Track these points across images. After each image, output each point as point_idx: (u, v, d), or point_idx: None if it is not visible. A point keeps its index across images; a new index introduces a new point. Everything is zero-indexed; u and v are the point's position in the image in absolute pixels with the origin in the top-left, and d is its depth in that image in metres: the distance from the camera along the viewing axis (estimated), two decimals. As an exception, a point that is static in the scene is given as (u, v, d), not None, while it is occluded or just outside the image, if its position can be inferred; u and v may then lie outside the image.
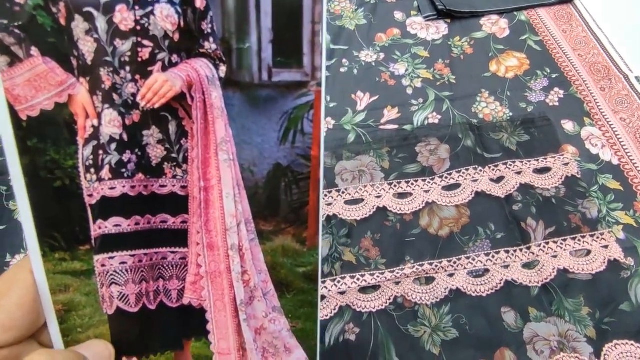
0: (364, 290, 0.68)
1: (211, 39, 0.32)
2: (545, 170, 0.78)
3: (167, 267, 0.36)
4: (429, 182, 0.78)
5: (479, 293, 0.67)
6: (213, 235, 0.35)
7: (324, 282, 0.69)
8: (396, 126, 0.86)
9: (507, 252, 0.70)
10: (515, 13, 1.01)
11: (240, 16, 0.31)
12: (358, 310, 0.66)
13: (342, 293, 0.68)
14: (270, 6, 0.31)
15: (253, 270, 0.35)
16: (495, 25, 1.00)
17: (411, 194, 0.77)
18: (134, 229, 0.34)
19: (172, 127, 0.33)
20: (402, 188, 0.78)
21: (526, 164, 0.79)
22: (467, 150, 0.81)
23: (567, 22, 0.98)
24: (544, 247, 0.70)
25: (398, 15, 1.04)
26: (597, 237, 0.70)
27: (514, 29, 0.99)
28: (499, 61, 0.94)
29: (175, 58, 0.32)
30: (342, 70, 0.95)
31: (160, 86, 0.32)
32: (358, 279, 0.69)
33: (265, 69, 0.32)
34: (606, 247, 0.69)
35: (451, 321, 0.65)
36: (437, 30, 1.00)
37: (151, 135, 0.33)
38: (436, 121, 0.86)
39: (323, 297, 0.68)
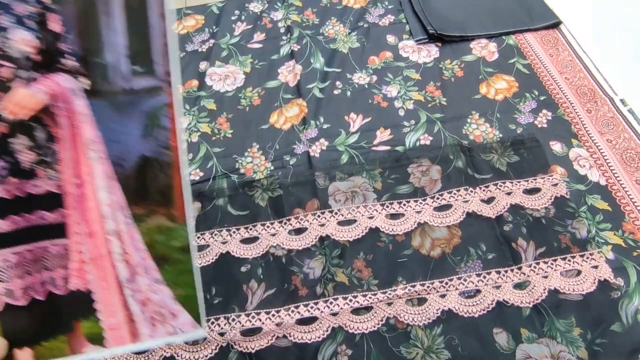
0: (356, 311, 0.68)
1: (70, 57, 0.38)
2: (534, 190, 0.79)
3: (50, 259, 0.40)
4: (420, 203, 0.79)
5: (470, 314, 0.68)
6: (91, 224, 0.39)
7: (316, 304, 0.69)
8: (388, 147, 0.87)
9: (498, 272, 0.71)
10: (504, 37, 1.05)
11: (96, 35, 0.37)
12: (351, 331, 0.66)
13: (335, 314, 0.68)
14: (123, 25, 0.37)
15: (132, 250, 0.40)
16: (484, 49, 1.03)
17: (403, 215, 0.78)
18: (13, 227, 0.38)
19: (40, 134, 0.38)
20: (394, 209, 0.79)
21: (516, 184, 0.80)
22: (458, 171, 0.83)
23: (554, 46, 1.02)
24: (535, 267, 0.71)
25: (390, 39, 1.07)
26: (587, 257, 0.71)
27: (503, 53, 1.02)
28: (488, 84, 0.96)
29: (36, 75, 0.37)
30: (335, 92, 0.97)
31: (21, 99, 0.37)
32: (350, 300, 0.69)
33: (124, 78, 0.39)
34: (596, 267, 0.70)
35: (443, 342, 0.66)
36: (429, 53, 1.03)
37: (20, 143, 0.38)
38: (428, 142, 0.88)
39: (315, 319, 0.68)
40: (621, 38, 1.01)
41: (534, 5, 1.09)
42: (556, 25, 1.05)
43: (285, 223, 0.78)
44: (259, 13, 1.16)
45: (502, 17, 1.07)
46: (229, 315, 0.69)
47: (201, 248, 0.76)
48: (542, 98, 0.93)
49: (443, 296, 0.69)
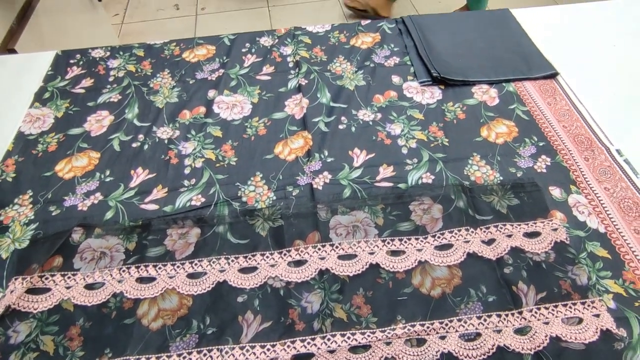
0: (354, 349, 0.66)
1: None
2: (535, 234, 0.80)
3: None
4: (422, 241, 0.79)
5: (470, 358, 0.66)
6: None
7: (313, 340, 0.67)
8: (391, 184, 0.88)
9: (499, 315, 0.70)
10: (504, 84, 1.09)
11: None
12: (347, 371, 0.64)
13: (332, 352, 0.66)
14: None
15: None
16: (485, 94, 1.06)
17: (404, 252, 0.78)
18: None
19: None
20: (395, 245, 0.79)
21: (516, 227, 0.81)
22: (459, 211, 0.83)
23: (551, 96, 1.05)
24: (536, 312, 0.70)
25: (395, 79, 1.10)
26: (588, 305, 0.70)
27: (503, 99, 1.05)
28: (489, 127, 0.99)
29: None
30: (340, 127, 0.99)
31: None
32: (348, 338, 0.67)
33: None
34: (598, 315, 0.69)
35: (443, 388, 0.63)
36: (432, 95, 1.06)
37: None
38: (429, 181, 0.89)
39: (311, 356, 0.65)
40: (615, 90, 1.05)
41: (532, 56, 1.14)
42: (553, 76, 1.10)
43: (285, 254, 0.77)
44: (269, 47, 1.20)
45: (502, 66, 1.12)
46: (223, 347, 0.66)
47: (198, 275, 0.75)
48: (541, 144, 0.95)
49: (443, 338, 0.68)
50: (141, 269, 0.75)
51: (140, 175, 0.90)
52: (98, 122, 1.01)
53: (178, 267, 0.76)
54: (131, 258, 0.77)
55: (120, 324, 0.69)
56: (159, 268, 0.75)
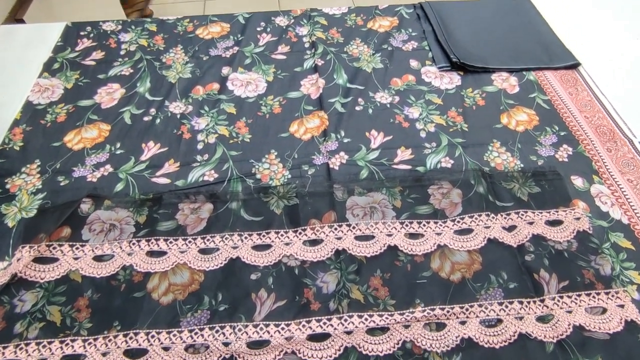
0: (371, 331, 0.64)
1: None
2: (557, 222, 0.77)
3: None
4: (441, 225, 0.77)
5: (491, 344, 0.64)
6: None
7: (329, 320, 0.65)
8: (409, 167, 0.86)
9: (521, 302, 0.68)
10: (524, 73, 1.06)
11: None
12: (364, 352, 0.62)
13: (349, 333, 0.64)
14: None
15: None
16: (505, 82, 1.04)
17: (423, 235, 0.76)
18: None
19: None
20: (413, 228, 0.76)
21: (538, 214, 0.78)
22: (479, 196, 0.81)
23: (573, 86, 1.03)
24: (559, 301, 0.68)
25: (413, 63, 1.08)
26: (612, 295, 0.68)
27: (524, 87, 1.03)
28: (509, 114, 0.96)
29: None
30: (357, 108, 0.97)
31: None
32: (366, 319, 0.65)
33: None
34: (622, 306, 0.67)
35: (462, 373, 0.61)
36: (451, 80, 1.04)
37: None
38: (449, 165, 0.86)
39: (327, 336, 0.63)
40: (637, 82, 1.03)
41: (553, 46, 1.12)
42: (575, 66, 1.07)
43: (300, 233, 0.75)
44: (284, 27, 1.17)
45: (522, 54, 1.10)
46: (235, 324, 0.64)
47: (210, 251, 0.72)
48: (562, 133, 0.93)
49: (463, 323, 0.66)
50: (152, 243, 0.73)
51: (151, 149, 0.88)
52: (109, 95, 0.98)
53: (190, 242, 0.73)
54: (141, 231, 0.75)
55: (130, 297, 0.67)
56: (170, 242, 0.73)
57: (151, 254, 0.72)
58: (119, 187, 0.81)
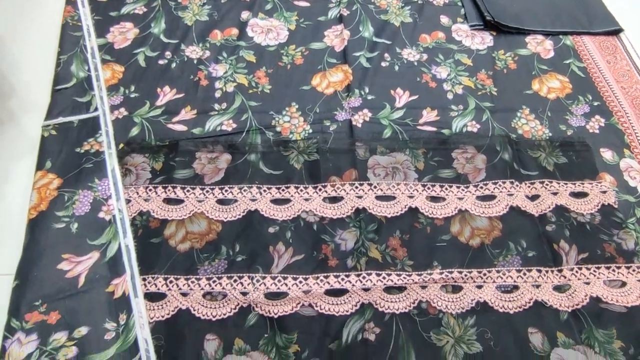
0: (388, 290, 0.64)
1: None
2: (581, 194, 0.76)
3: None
4: (463, 190, 0.75)
5: (506, 309, 0.64)
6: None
7: (347, 276, 0.65)
8: (434, 129, 0.83)
9: (539, 271, 0.67)
10: (561, 36, 1.00)
11: None
12: (380, 310, 0.62)
13: (366, 290, 0.64)
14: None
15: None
16: (540, 45, 0.98)
17: (444, 199, 0.74)
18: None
19: None
20: (435, 191, 0.75)
21: (563, 185, 0.76)
22: (504, 163, 0.79)
23: (612, 54, 0.98)
24: (577, 272, 0.67)
25: (444, 20, 1.02)
26: (633, 270, 0.67)
27: (559, 52, 0.97)
28: (541, 80, 0.92)
29: None
30: (383, 64, 0.92)
31: None
32: (384, 278, 0.65)
33: None
34: (641, 281, 0.67)
35: (476, 334, 0.62)
36: (482, 40, 0.98)
37: None
38: (475, 130, 0.83)
39: (345, 292, 0.63)
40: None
41: (594, 9, 1.05)
42: (616, 32, 1.01)
43: (320, 189, 0.73)
44: (308, -29, 1.09)
45: (560, 16, 1.03)
46: (254, 275, 0.64)
47: (228, 202, 0.71)
48: (595, 104, 0.89)
49: (479, 287, 0.66)
50: (168, 190, 0.72)
51: (167, 95, 0.84)
52: (122, 34, 0.94)
53: (207, 191, 0.72)
54: (158, 178, 0.73)
55: (147, 241, 0.67)
56: (187, 191, 0.72)
57: (168, 201, 0.71)
58: (134, 131, 0.79)
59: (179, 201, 0.71)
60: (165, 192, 0.71)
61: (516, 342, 0.62)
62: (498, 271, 0.67)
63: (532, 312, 0.64)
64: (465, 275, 0.66)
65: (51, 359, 0.54)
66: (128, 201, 0.70)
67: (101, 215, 0.67)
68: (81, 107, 0.81)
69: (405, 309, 0.63)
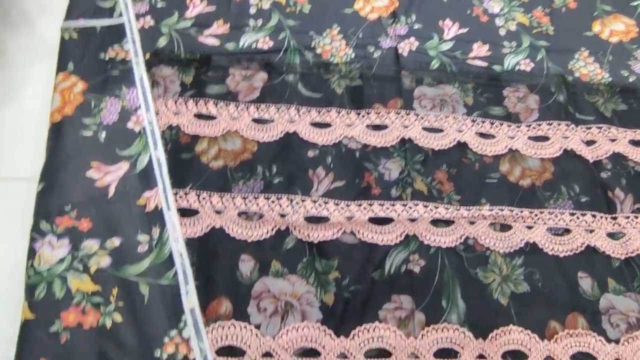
0: (435, 223, 0.60)
1: None
2: (640, 143, 0.71)
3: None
4: (514, 129, 0.70)
5: (556, 252, 0.61)
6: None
7: (393, 205, 0.60)
8: (485, 64, 0.76)
9: (594, 216, 0.63)
10: (627, -23, 0.92)
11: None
12: (426, 242, 0.59)
13: (412, 220, 0.60)
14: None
15: None
16: (603, -15, 0.90)
17: (494, 137, 0.69)
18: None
19: None
20: (485, 128, 0.69)
21: (622, 132, 0.71)
22: (558, 105, 0.73)
23: (679, 0, 0.89)
24: (632, 220, 0.64)
25: (500, -50, 0.92)
26: (692, 220, 0.64)
27: (624, -7, 0.89)
28: (603, 22, 0.84)
29: None
30: (432, -8, 0.84)
31: None
32: (432, 209, 0.61)
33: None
34: (700, 232, 0.63)
35: (523, 274, 0.59)
36: (540, -25, 0.90)
37: None
38: (528, 69, 0.77)
39: (389, 221, 0.59)
40: None
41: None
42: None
43: (363, 115, 0.68)
44: None
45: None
46: (293, 197, 0.60)
47: (264, 122, 0.66)
48: (661, 50, 0.82)
49: (530, 228, 0.62)
50: (200, 104, 0.66)
51: (197, 6, 0.77)
52: (147, -61, 0.84)
53: (242, 109, 0.66)
54: (188, 92, 0.67)
55: (177, 157, 0.62)
56: (221, 107, 0.66)
57: (199, 116, 0.65)
58: (162, 42, 0.72)
59: (211, 117, 0.65)
60: (197, 107, 0.66)
61: (565, 285, 0.59)
62: (550, 213, 0.63)
63: (582, 257, 0.61)
64: (516, 214, 0.62)
65: (83, 265, 0.51)
66: (156, 114, 0.65)
67: (130, 126, 0.61)
68: (104, 12, 0.73)
69: (452, 243, 0.59)
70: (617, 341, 0.56)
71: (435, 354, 0.52)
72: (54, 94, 0.62)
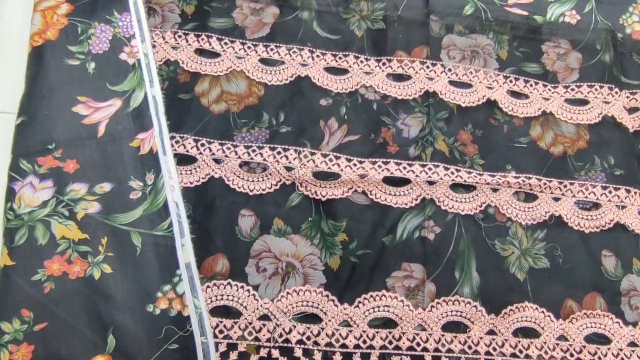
0: (454, 187, 0.55)
1: None
2: (688, 114, 0.64)
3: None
4: (550, 89, 0.63)
5: (582, 228, 0.56)
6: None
7: (411, 165, 0.55)
8: (525, 13, 0.67)
9: (628, 191, 0.58)
10: None
11: None
12: (443, 208, 0.54)
13: (431, 183, 0.55)
14: None
15: None
16: None
17: (527, 97, 0.62)
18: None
19: None
20: (518, 87, 0.62)
21: (670, 100, 0.64)
22: (602, 65, 0.65)
23: None
24: (669, 198, 0.58)
25: None
26: None
27: (689, -59, 0.78)
28: (664, -28, 0.74)
29: None
30: None
31: None
32: (452, 173, 0.55)
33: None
34: None
35: (544, 249, 0.55)
36: None
37: None
38: (573, 22, 0.68)
39: (406, 182, 0.54)
40: None
41: None
42: None
43: (384, 63, 0.60)
44: None
45: None
46: (301, 150, 0.54)
47: (273, 63, 0.59)
48: None
49: (557, 199, 0.57)
50: (202, 39, 0.58)
51: None
52: None
53: (249, 47, 0.59)
54: (189, 24, 0.59)
55: (174, 97, 0.55)
56: (225, 43, 0.59)
57: (201, 52, 0.58)
58: (161, -37, 0.63)
59: (214, 54, 0.58)
60: (198, 42, 0.58)
61: (587, 263, 0.55)
62: (581, 185, 0.58)
63: (609, 235, 0.56)
64: (544, 184, 0.56)
65: (69, 210, 0.46)
66: (152, 46, 0.57)
67: (123, 57, 0.54)
68: None
69: (471, 211, 0.54)
70: (634, 324, 0.53)
71: (443, 327, 0.49)
72: (34, 13, 0.54)
